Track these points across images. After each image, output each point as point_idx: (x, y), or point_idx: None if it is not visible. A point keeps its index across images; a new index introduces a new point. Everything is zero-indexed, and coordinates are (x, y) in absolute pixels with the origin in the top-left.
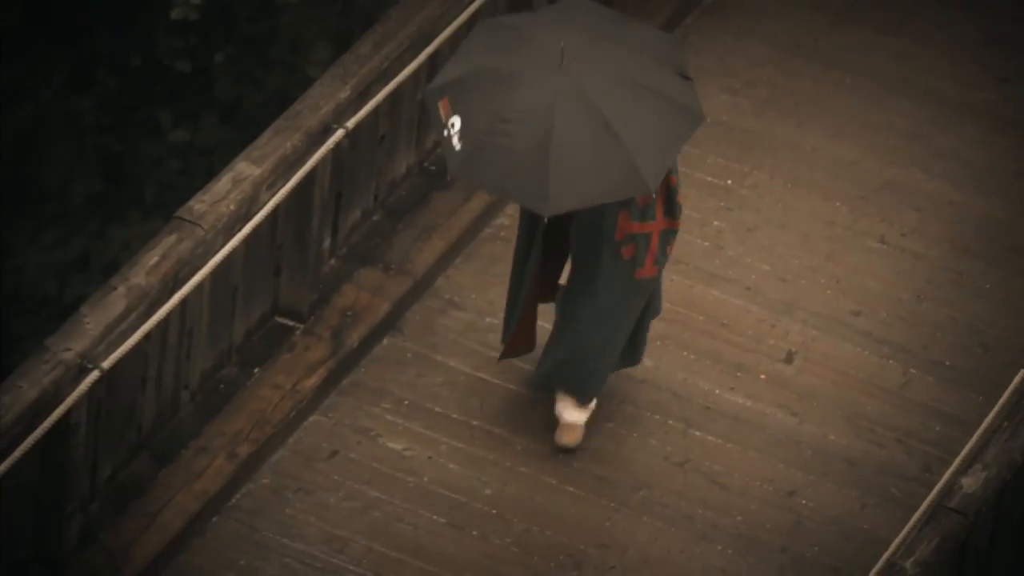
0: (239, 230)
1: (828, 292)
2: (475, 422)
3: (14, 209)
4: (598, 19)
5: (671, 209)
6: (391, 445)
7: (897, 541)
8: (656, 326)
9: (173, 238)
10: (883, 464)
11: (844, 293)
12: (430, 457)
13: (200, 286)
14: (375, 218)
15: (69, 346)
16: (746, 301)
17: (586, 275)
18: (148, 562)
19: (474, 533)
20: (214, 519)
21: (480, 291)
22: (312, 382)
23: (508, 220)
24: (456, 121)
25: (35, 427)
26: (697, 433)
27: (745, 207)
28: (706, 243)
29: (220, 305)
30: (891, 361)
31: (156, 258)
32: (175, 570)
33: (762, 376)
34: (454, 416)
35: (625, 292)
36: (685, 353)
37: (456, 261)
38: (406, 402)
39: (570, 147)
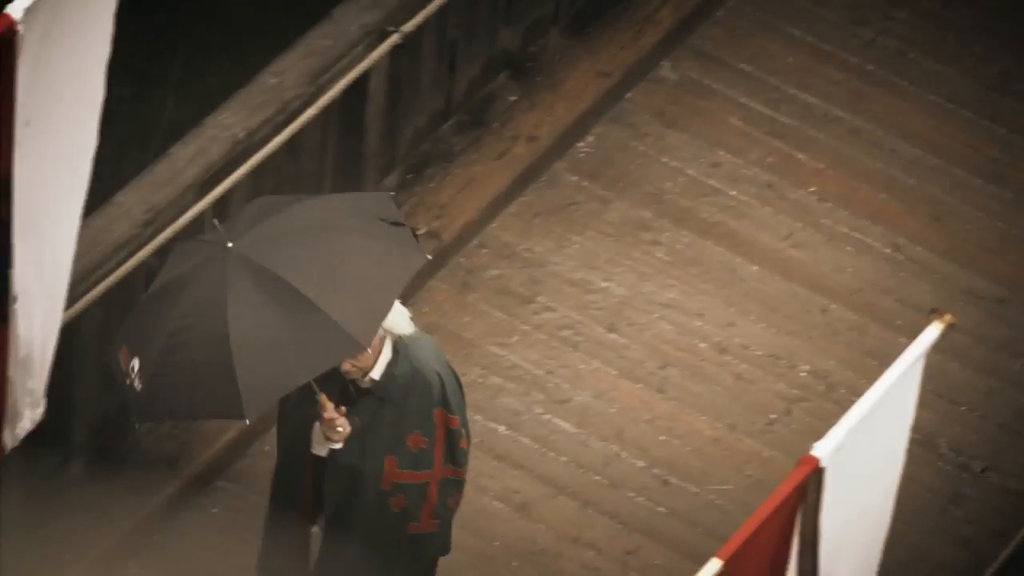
0: None
1: None
2: None
3: None
4: (274, 201)
5: (453, 455)
6: None
7: None
8: None
9: None
10: None
11: None
12: None
13: None
14: None
15: None
16: None
17: (344, 532)
18: None
19: None
20: None
21: None
22: None
23: None
24: (136, 363)
25: None
26: None
27: None
28: None
29: None
30: None
31: None
32: None
33: None
34: None
35: (397, 552)
36: None
37: None
38: None
39: (253, 330)
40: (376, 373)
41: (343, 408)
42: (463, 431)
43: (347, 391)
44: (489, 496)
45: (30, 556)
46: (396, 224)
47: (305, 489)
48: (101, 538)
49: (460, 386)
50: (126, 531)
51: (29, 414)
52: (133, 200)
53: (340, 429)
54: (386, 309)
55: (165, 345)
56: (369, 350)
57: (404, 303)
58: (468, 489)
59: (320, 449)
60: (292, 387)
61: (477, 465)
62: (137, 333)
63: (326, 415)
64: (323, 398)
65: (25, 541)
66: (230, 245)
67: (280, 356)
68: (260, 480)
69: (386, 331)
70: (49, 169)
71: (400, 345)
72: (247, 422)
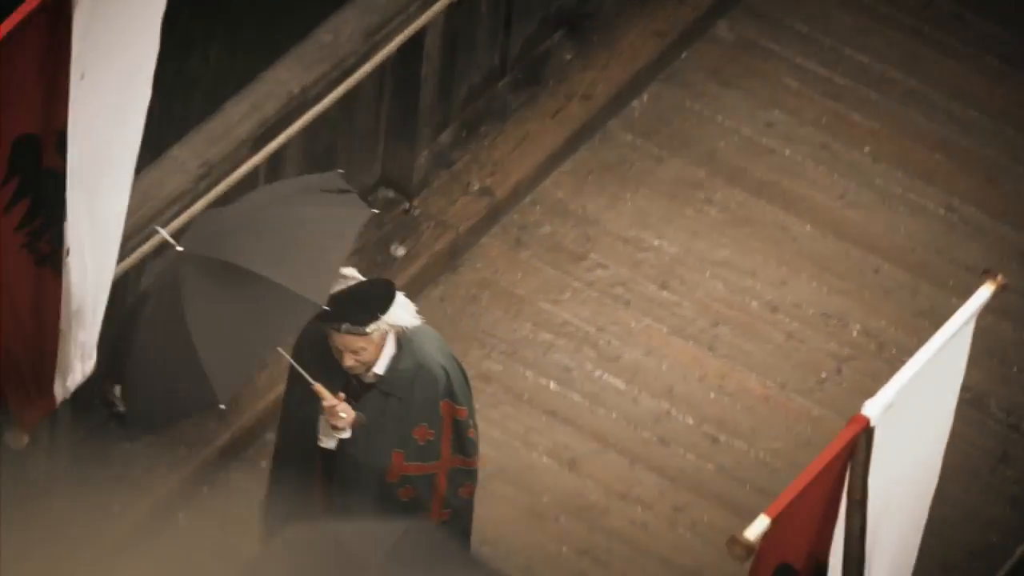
0: None
1: None
2: None
3: None
4: (221, 207)
5: (462, 446)
6: None
7: None
8: None
9: None
10: None
11: None
12: None
13: None
14: None
15: None
16: None
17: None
18: None
19: None
20: None
21: None
22: None
23: None
24: (117, 389)
25: None
26: None
27: None
28: None
29: None
30: None
31: None
32: None
33: None
34: None
35: None
36: None
37: None
38: None
39: (211, 319)
40: (380, 368)
41: (342, 394)
42: (471, 421)
43: (351, 386)
44: (538, 452)
45: (80, 507)
46: (342, 192)
47: (317, 484)
48: (149, 490)
49: (466, 377)
50: (175, 483)
51: (80, 366)
52: (187, 154)
53: (343, 415)
54: (337, 264)
55: (135, 361)
56: (370, 345)
57: (454, 260)
58: (518, 444)
59: (328, 442)
60: (260, 360)
61: (527, 421)
62: (113, 361)
63: (325, 403)
64: (318, 387)
65: (75, 492)
66: (180, 249)
67: (242, 335)
68: None
69: (389, 325)
70: (103, 122)
71: (403, 339)
72: (222, 407)
